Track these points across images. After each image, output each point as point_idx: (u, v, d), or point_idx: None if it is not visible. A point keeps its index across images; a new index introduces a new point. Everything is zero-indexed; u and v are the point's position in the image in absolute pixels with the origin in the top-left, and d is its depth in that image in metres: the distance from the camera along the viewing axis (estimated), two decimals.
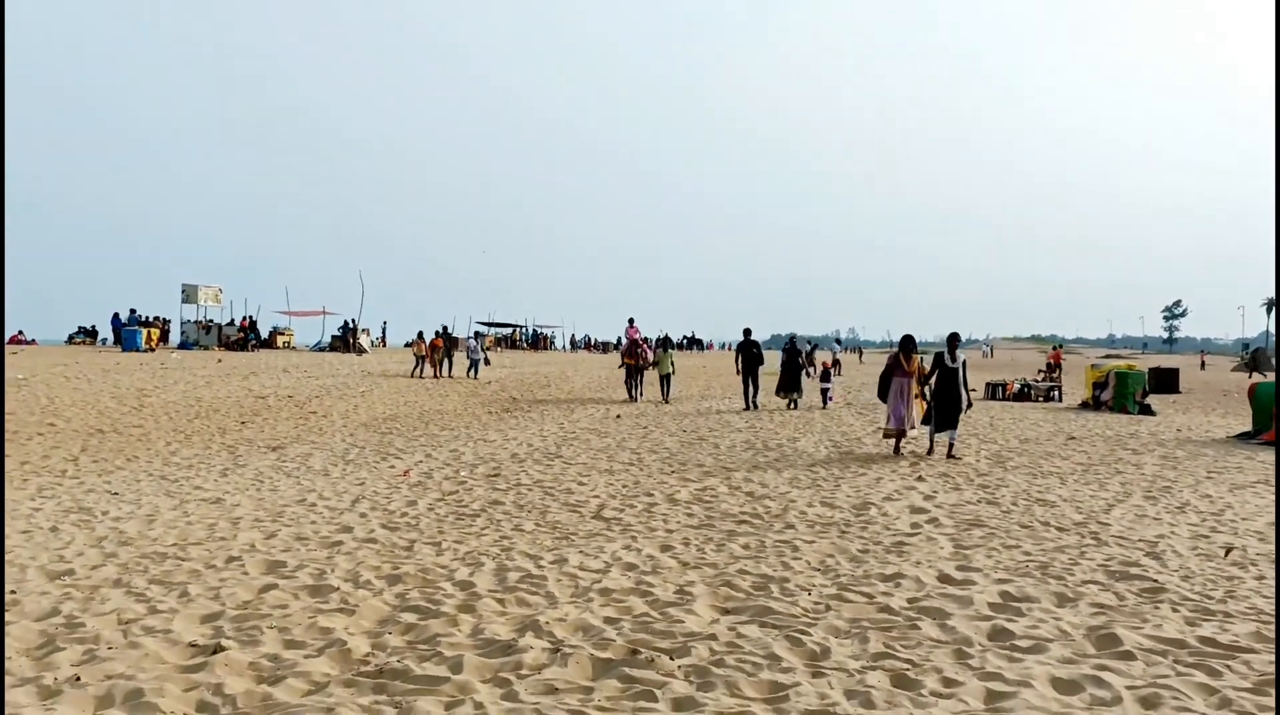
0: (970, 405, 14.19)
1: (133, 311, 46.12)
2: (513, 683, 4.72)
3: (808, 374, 24.36)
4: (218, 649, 5.23)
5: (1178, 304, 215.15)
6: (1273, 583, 6.57)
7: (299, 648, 5.29)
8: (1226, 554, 7.44)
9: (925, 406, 14.12)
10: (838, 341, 53.89)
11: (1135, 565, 7.05)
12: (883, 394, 14.52)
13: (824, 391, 24.77)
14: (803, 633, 5.43)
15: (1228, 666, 4.87)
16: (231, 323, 47.73)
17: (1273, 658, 5.01)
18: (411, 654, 5.17)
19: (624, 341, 27.26)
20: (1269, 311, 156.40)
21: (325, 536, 8.29)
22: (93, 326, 50.09)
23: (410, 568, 7.09)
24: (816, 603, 6.08)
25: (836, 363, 47.29)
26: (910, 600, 6.14)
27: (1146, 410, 23.34)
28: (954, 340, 14.08)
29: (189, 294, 47.28)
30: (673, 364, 26.65)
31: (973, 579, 6.66)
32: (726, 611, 5.95)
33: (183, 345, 43.49)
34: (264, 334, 48.14)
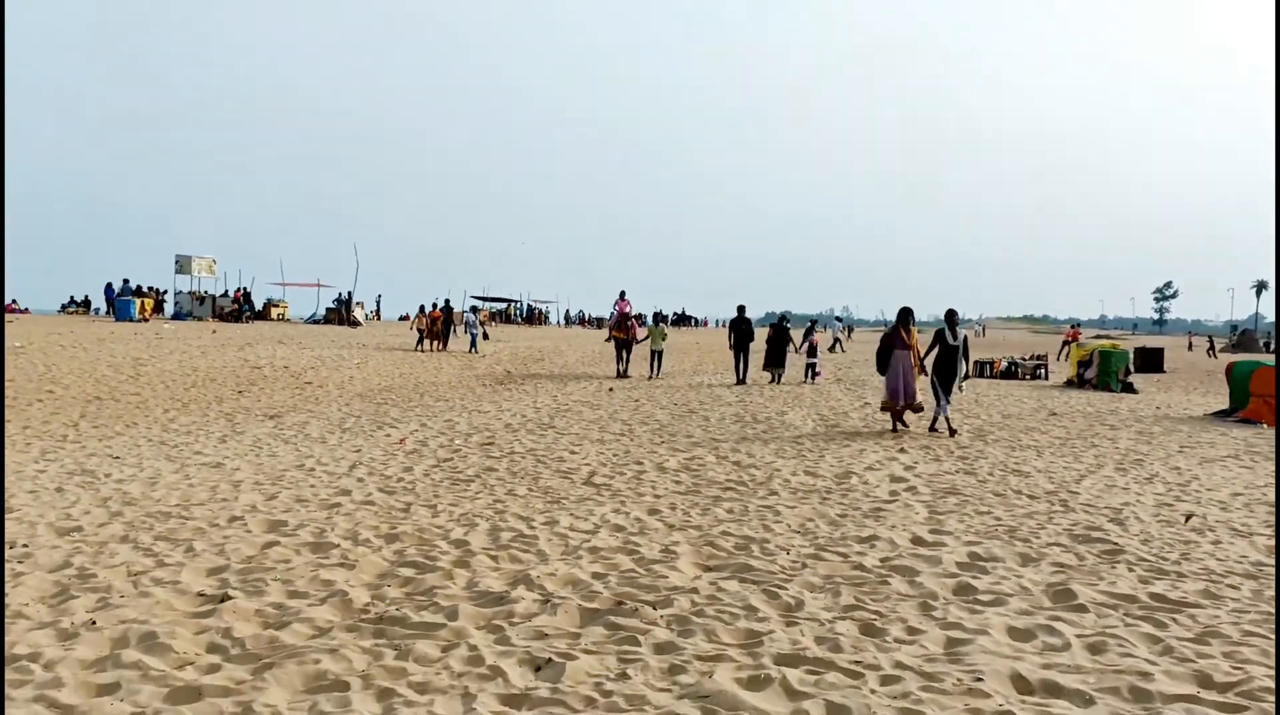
0: (967, 376, 14.32)
1: (125, 282, 46.25)
2: (505, 629, 5.03)
3: (794, 350, 24.53)
4: (225, 598, 5.53)
5: (1168, 285, 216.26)
6: (1229, 548, 6.91)
7: (302, 597, 5.59)
8: (1187, 520, 7.78)
9: (926, 379, 14.13)
10: (838, 319, 54.31)
11: (1098, 530, 7.39)
12: (881, 367, 14.43)
13: (810, 367, 25.07)
14: (779, 587, 5.76)
15: (1174, 619, 5.20)
16: (225, 294, 47.86)
17: (1218, 611, 5.35)
18: (409, 604, 5.48)
19: (614, 315, 26.21)
20: (1257, 294, 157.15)
21: (324, 499, 8.58)
22: (85, 297, 50.22)
23: (407, 527, 7.40)
24: (794, 561, 6.41)
25: (838, 340, 47.62)
26: (883, 559, 6.46)
27: (1129, 388, 23.72)
28: (953, 317, 13.94)
29: (183, 265, 47.43)
30: (664, 339, 26.36)
31: (944, 541, 6.99)
32: (708, 569, 6.27)
33: (176, 316, 43.67)
34: (258, 306, 48.28)
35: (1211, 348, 58.96)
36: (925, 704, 4.04)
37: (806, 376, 24.70)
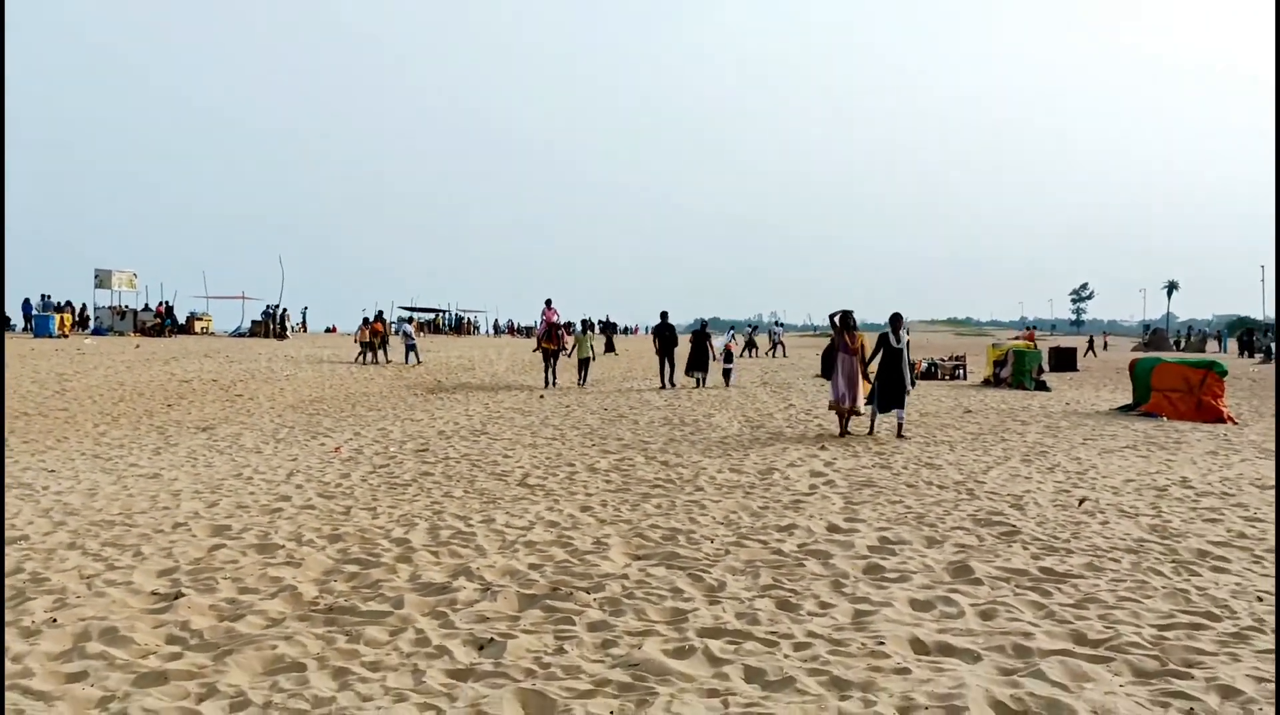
0: (914, 384, 14.12)
1: (44, 297, 45.32)
2: (449, 614, 5.40)
3: (714, 357, 25.33)
4: (178, 595, 5.80)
5: (1084, 287, 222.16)
6: (1115, 527, 7.54)
7: (253, 593, 5.89)
8: (1080, 504, 8.42)
9: (869, 386, 14.26)
10: (779, 325, 55.27)
11: (999, 514, 7.98)
12: (826, 371, 14.42)
13: (726, 371, 25.98)
14: (704, 572, 6.21)
15: (1058, 589, 5.76)
16: (147, 308, 47.12)
17: (1098, 581, 5.93)
18: (356, 596, 5.82)
19: (541, 324, 26.19)
20: (1168, 294, 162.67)
21: (265, 505, 8.82)
22: None
23: (349, 529, 7.70)
24: (717, 549, 6.87)
25: (779, 344, 48.38)
26: (800, 545, 6.96)
27: (1042, 386, 24.73)
28: (897, 320, 13.81)
29: (102, 279, 46.63)
30: (592, 348, 26.09)
31: (857, 528, 7.51)
32: (638, 557, 6.69)
33: (97, 331, 42.89)
34: (181, 320, 47.62)
35: (1090, 347, 59.74)
36: (832, 664, 4.51)
37: (725, 381, 25.44)
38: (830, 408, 14.31)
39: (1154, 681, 4.30)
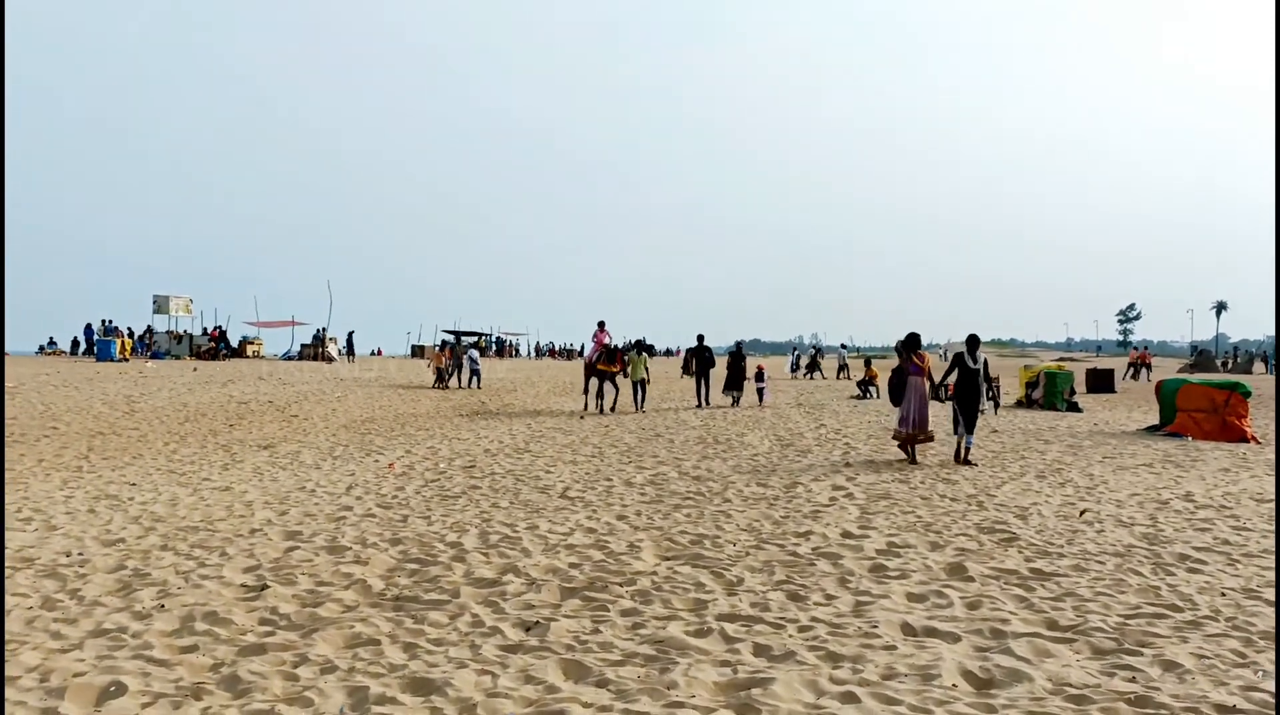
0: (998, 406, 13.92)
1: (104, 322, 46.97)
2: (500, 603, 6.19)
3: (746, 378, 26.53)
4: (264, 587, 6.65)
5: (1131, 307, 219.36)
6: (1109, 535, 8.18)
7: (329, 585, 6.72)
8: (1081, 515, 9.06)
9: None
10: (844, 347, 56.01)
11: (1003, 523, 8.64)
12: (895, 397, 13.81)
13: (760, 390, 27.17)
14: (725, 570, 6.95)
15: (1042, 585, 6.45)
16: (203, 332, 48.67)
17: (1079, 579, 6.59)
18: (419, 588, 6.63)
19: (592, 348, 24.51)
20: (1217, 314, 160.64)
21: (329, 514, 9.68)
22: (50, 339, 50.74)
23: (408, 534, 8.53)
24: (739, 551, 7.61)
25: (844, 366, 48.55)
26: (814, 549, 7.68)
27: (1074, 407, 25.13)
28: (974, 342, 13.38)
29: (160, 305, 48.22)
30: (647, 370, 24.37)
31: (869, 534, 8.21)
32: (667, 558, 7.45)
33: (156, 355, 44.41)
34: (234, 343, 49.09)
35: (1134, 369, 59.42)
36: (829, 643, 5.24)
37: (760, 400, 26.68)
38: (894, 437, 13.73)
39: (1108, 657, 4.98)
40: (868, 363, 33.63)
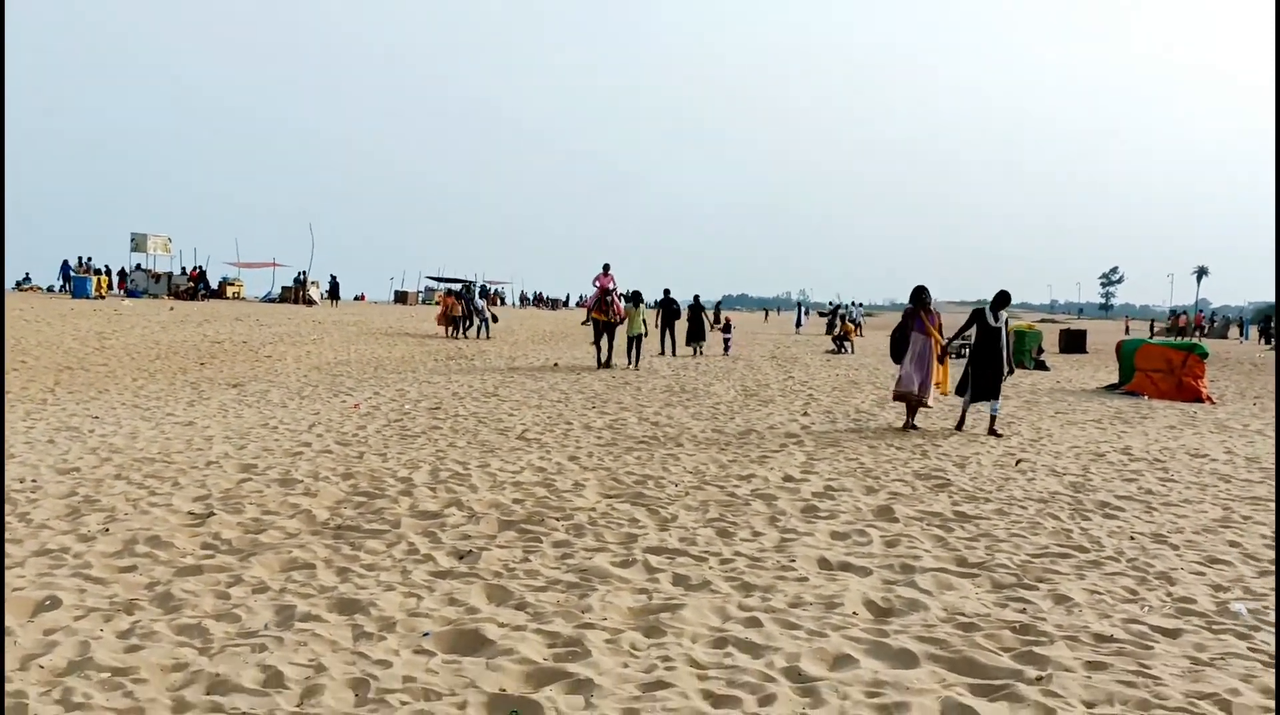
0: (1012, 370, 12.17)
1: (81, 259, 46.72)
2: (438, 534, 6.40)
3: (710, 327, 28.27)
4: (210, 514, 6.84)
5: (1114, 271, 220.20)
6: (1039, 483, 8.44)
7: (274, 515, 6.91)
8: (1017, 464, 9.32)
9: (947, 372, 12.76)
10: (860, 305, 56.39)
11: (940, 471, 8.90)
12: (897, 353, 12.60)
13: (725, 341, 28.83)
14: (661, 508, 7.18)
15: (962, 527, 6.70)
16: (182, 272, 48.50)
17: (999, 522, 6.84)
18: (361, 519, 6.82)
19: (594, 292, 22.45)
20: (1198, 279, 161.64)
21: (288, 449, 9.85)
22: (26, 274, 50.51)
23: (361, 469, 8.72)
24: (679, 492, 7.83)
25: (857, 324, 48.61)
26: (753, 490, 7.91)
27: (1041, 366, 25.47)
28: (1002, 299, 11.89)
29: (138, 242, 47.98)
30: (645, 323, 22.42)
31: (809, 479, 8.45)
32: (609, 496, 7.67)
33: (133, 293, 44.27)
34: (213, 285, 48.96)
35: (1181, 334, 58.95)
36: (746, 574, 5.47)
37: (725, 350, 28.23)
38: (895, 397, 12.59)
39: (1005, 590, 5.23)
40: (842, 319, 33.91)
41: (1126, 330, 71.97)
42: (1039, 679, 4.03)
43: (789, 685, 3.97)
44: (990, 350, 11.85)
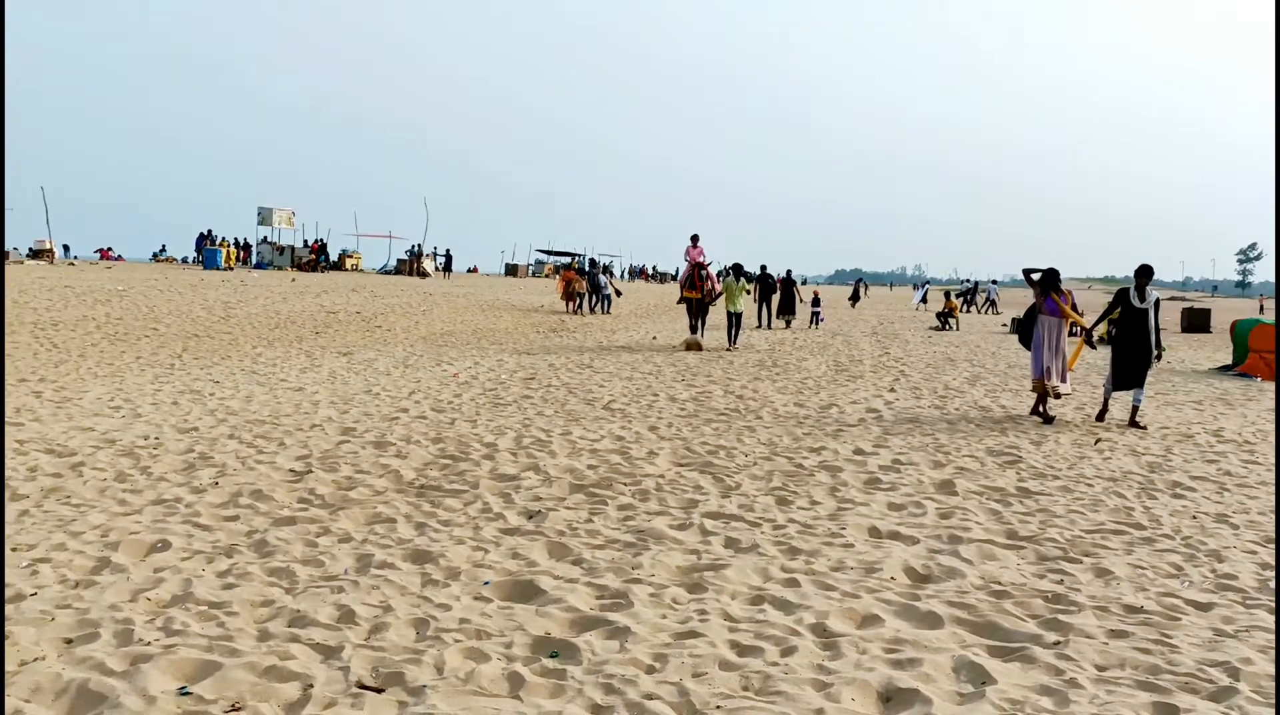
0: (1160, 355, 11.09)
1: (209, 232, 49.02)
2: (512, 495, 6.83)
3: (800, 300, 29.09)
4: (308, 471, 7.40)
5: (1253, 247, 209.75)
6: (1113, 462, 8.44)
7: (366, 474, 7.44)
8: (1095, 443, 9.29)
9: (1080, 351, 12.07)
10: (994, 282, 56.00)
11: (1014, 447, 8.96)
12: (1024, 338, 11.78)
13: (814, 314, 29.80)
14: (728, 477, 7.47)
15: (1021, 502, 6.81)
16: (305, 244, 50.43)
17: (1059, 498, 6.93)
18: (444, 479, 7.30)
19: (686, 267, 21.49)
20: None
21: (386, 414, 10.45)
22: (163, 246, 53.24)
23: (451, 434, 9.23)
24: (749, 462, 8.10)
25: (992, 302, 47.79)
26: (820, 462, 8.13)
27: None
28: (1145, 272, 10.71)
29: (264, 217, 50.09)
30: (743, 299, 21.05)
31: (878, 452, 8.63)
32: (680, 464, 8.00)
33: (259, 265, 46.30)
34: (333, 257, 50.79)
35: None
36: (795, 540, 5.74)
37: (812, 322, 29.38)
38: (1034, 389, 11.47)
39: (1047, 563, 5.38)
40: (947, 295, 33.43)
41: (1260, 309, 68.60)
42: (1056, 643, 4.21)
43: (813, 639, 4.25)
44: (1136, 334, 10.76)
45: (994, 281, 57.18)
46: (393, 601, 4.64)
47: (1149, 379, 11.15)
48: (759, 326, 27.23)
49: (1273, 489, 7.45)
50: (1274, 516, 6.57)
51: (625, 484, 7.17)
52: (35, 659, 3.90)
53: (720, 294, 20.75)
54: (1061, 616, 4.54)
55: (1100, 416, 11.04)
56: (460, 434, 9.23)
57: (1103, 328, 13.20)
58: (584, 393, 12.55)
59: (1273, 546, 5.84)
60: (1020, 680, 3.85)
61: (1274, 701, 3.67)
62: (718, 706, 3.60)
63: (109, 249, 50.81)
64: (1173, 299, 71.56)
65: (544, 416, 10.50)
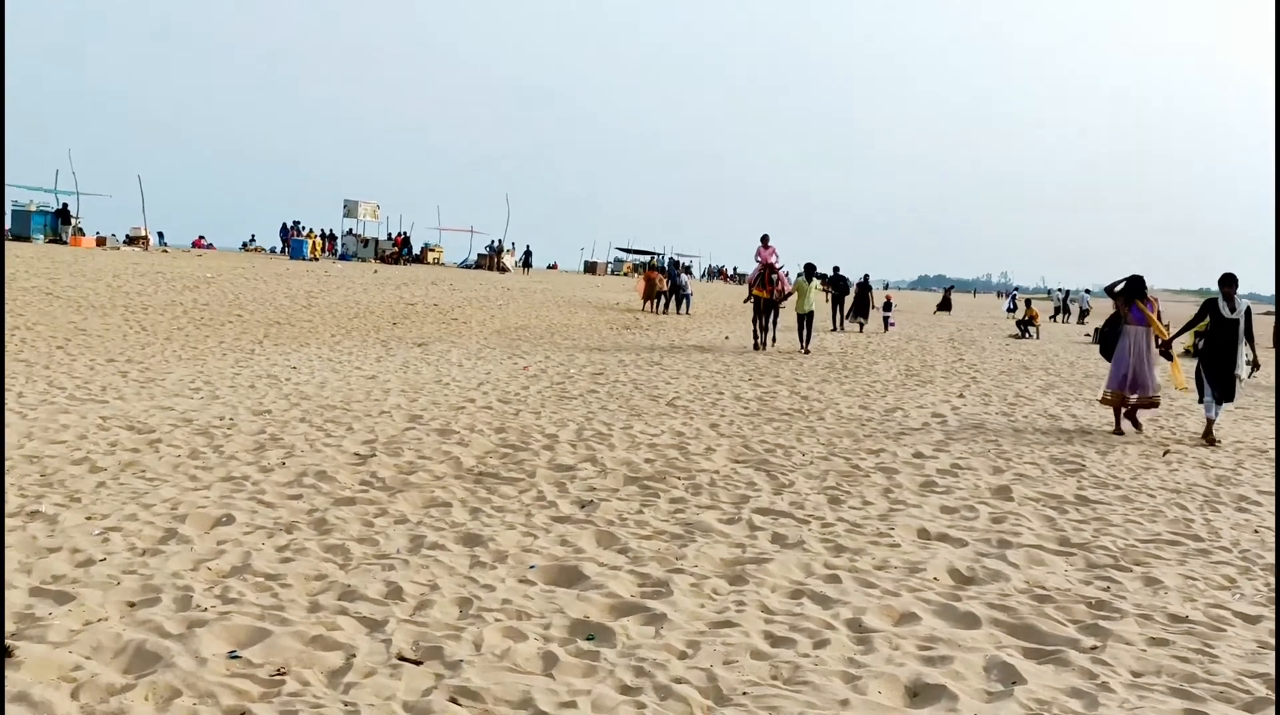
0: (1258, 367, 10.72)
1: (295, 223, 50.23)
2: (567, 485, 6.95)
3: (873, 305, 29.62)
4: (372, 455, 7.62)
5: None
6: (1179, 474, 8.26)
7: (428, 460, 7.63)
8: (1164, 454, 9.10)
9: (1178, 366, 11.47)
10: (1087, 292, 55.13)
11: (1079, 456, 8.82)
12: (1107, 349, 11.42)
13: (885, 319, 30.07)
14: (782, 475, 7.51)
15: (1077, 510, 6.73)
16: (388, 237, 51.45)
17: (1118, 508, 6.82)
18: (503, 467, 7.47)
19: (756, 268, 20.88)
20: None
21: (453, 403, 10.67)
22: (252, 236, 54.61)
23: (514, 424, 9.40)
24: (806, 461, 8.12)
25: (1085, 312, 47.10)
26: (878, 464, 8.12)
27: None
28: (1231, 281, 10.22)
29: (350, 209, 51.20)
30: (813, 298, 20.41)
31: (938, 457, 8.57)
32: (736, 461, 8.05)
33: (343, 256, 47.36)
34: (416, 250, 51.72)
35: None
36: (842, 538, 5.76)
37: (884, 328, 29.33)
38: (1103, 400, 11.05)
39: (1096, 570, 5.33)
40: (1028, 303, 32.85)
41: None
42: (1093, 648, 4.19)
43: (847, 633, 4.29)
44: (1226, 346, 10.19)
45: (1087, 291, 55.94)
46: (440, 581, 4.79)
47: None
48: (833, 329, 27.21)
49: None
50: None
51: (679, 478, 7.25)
52: (99, 619, 4.13)
53: (790, 293, 20.29)
54: (1102, 622, 4.50)
55: (1208, 436, 10.19)
56: (523, 425, 9.40)
57: (1187, 339, 12.71)
58: (649, 389, 12.65)
59: None
60: (1051, 682, 3.84)
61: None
62: (744, 693, 3.67)
63: (202, 238, 52.43)
64: (1266, 314, 68.97)
65: (607, 411, 10.62)
